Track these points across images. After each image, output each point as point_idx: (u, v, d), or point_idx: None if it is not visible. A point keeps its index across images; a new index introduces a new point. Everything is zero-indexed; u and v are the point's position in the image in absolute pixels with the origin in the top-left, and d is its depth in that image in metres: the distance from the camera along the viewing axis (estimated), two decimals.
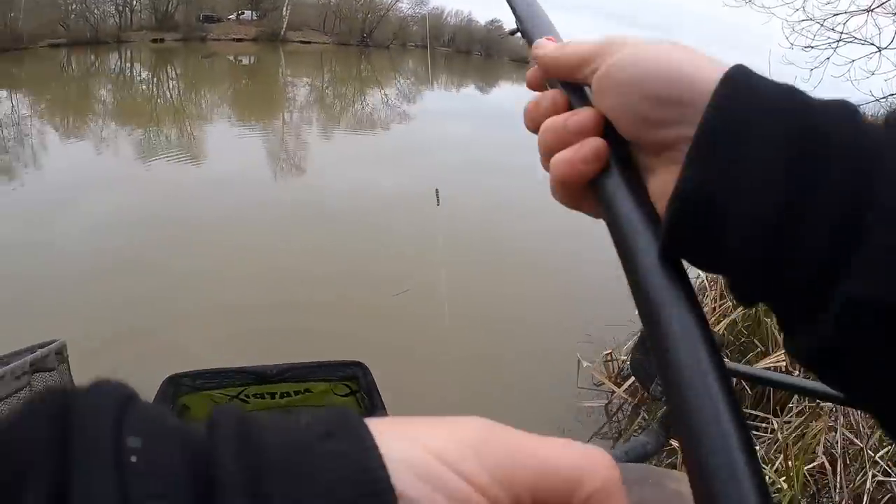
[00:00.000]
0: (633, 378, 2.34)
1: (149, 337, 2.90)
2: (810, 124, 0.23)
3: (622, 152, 0.28)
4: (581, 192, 0.30)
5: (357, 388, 1.29)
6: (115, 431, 0.13)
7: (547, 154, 0.31)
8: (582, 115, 0.29)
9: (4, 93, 19.08)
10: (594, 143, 0.28)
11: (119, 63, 28.96)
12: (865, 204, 0.21)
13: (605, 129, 0.29)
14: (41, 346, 1.09)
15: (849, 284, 0.21)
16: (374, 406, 1.22)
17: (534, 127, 0.33)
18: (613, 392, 2.71)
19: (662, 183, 0.27)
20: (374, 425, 0.15)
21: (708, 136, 0.24)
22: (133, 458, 0.12)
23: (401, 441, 0.15)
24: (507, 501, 0.15)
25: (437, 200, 2.98)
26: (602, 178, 0.28)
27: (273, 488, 0.13)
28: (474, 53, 46.06)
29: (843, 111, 0.24)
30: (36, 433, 0.12)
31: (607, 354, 2.84)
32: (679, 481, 0.68)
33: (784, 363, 2.30)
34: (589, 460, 0.17)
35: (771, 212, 0.22)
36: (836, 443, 2.08)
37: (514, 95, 26.19)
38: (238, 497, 0.13)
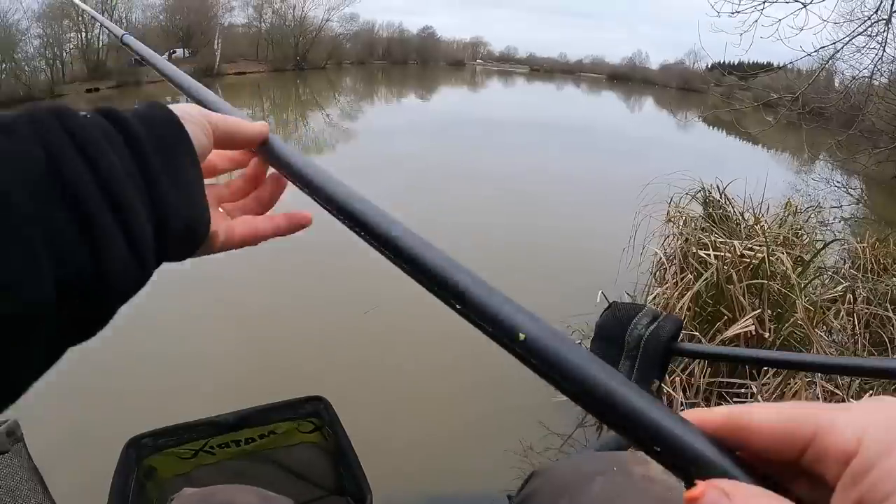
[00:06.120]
0: None
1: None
2: None
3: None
4: None
5: (321, 424, 1.23)
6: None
7: None
8: None
9: None
10: None
11: None
12: None
13: None
14: None
15: None
16: (338, 436, 1.17)
17: None
18: None
19: None
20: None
21: None
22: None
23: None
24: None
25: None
26: None
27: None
28: (410, 62, 46.95)
29: None
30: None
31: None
32: (647, 464, 0.64)
33: (752, 327, 2.32)
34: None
35: None
36: (818, 397, 2.11)
37: (454, 99, 26.30)
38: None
